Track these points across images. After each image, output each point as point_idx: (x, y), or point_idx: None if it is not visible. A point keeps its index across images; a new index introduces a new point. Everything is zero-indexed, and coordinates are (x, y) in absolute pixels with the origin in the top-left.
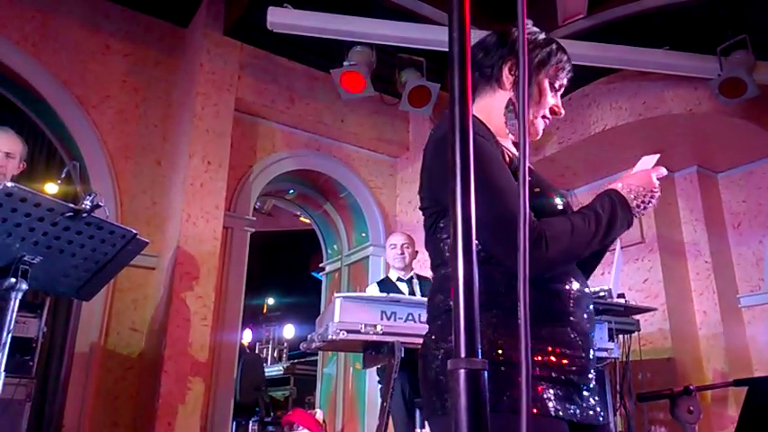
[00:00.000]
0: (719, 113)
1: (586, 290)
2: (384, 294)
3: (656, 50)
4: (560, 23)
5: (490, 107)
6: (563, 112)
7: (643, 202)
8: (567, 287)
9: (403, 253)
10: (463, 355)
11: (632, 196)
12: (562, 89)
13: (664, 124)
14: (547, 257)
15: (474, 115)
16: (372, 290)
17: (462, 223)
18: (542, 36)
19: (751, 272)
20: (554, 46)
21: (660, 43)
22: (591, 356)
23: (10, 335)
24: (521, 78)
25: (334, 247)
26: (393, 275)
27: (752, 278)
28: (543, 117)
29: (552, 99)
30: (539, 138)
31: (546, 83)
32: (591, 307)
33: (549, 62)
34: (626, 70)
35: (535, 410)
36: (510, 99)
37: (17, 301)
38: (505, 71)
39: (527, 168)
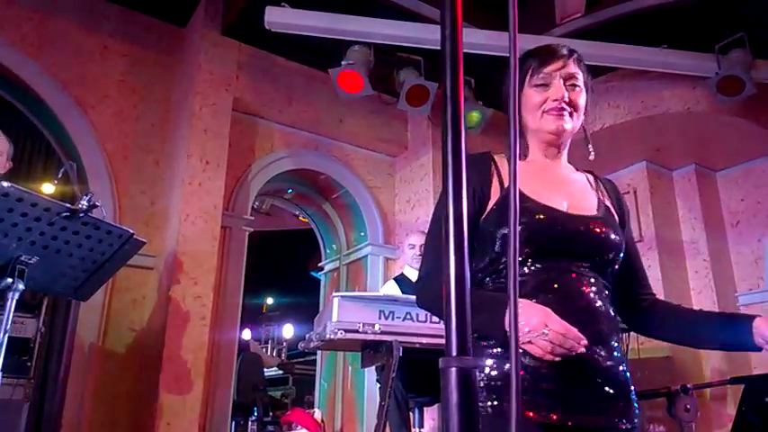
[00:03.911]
0: (717, 112)
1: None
2: (382, 294)
3: (654, 49)
4: (558, 22)
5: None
6: (565, 93)
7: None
8: None
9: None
10: (454, 353)
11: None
12: (553, 76)
13: (662, 123)
14: (418, 298)
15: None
16: (391, 285)
17: (453, 221)
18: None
19: (749, 270)
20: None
21: (658, 42)
22: (585, 364)
23: (7, 335)
24: (511, 86)
25: (333, 246)
26: (409, 273)
27: (750, 276)
28: (549, 111)
29: (539, 96)
30: (570, 127)
31: (529, 91)
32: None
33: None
34: (624, 69)
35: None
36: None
37: (14, 302)
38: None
39: (517, 187)
